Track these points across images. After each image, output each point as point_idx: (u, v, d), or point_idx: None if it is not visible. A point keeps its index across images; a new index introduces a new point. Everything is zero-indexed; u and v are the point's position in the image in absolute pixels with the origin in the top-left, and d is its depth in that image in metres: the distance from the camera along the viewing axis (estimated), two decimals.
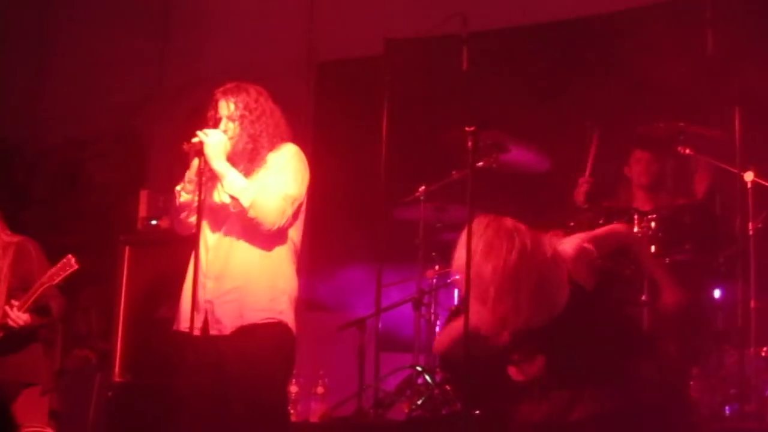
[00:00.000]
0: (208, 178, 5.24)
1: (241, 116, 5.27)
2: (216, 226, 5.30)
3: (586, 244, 4.87)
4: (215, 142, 5.17)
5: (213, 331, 5.18)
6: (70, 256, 6.56)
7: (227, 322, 5.17)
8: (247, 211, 5.13)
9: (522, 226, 4.77)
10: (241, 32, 9.46)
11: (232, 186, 5.15)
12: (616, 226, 4.96)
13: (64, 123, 10.11)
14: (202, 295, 5.19)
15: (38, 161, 10.29)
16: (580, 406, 4.83)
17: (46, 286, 6.49)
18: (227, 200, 5.21)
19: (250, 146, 5.26)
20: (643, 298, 6.41)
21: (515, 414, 5.14)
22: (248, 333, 5.15)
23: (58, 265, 6.56)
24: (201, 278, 5.20)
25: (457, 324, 4.98)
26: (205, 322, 5.18)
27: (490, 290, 4.68)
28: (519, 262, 4.65)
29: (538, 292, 4.68)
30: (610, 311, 5.01)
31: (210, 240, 5.28)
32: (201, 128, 5.21)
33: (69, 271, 6.54)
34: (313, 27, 9.47)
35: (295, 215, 5.28)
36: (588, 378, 4.87)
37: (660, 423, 4.81)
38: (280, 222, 5.19)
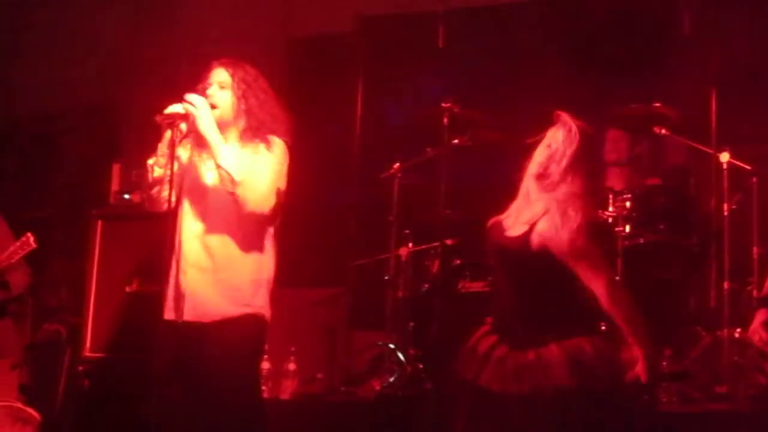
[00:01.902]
0: (195, 160, 5.19)
1: (241, 89, 5.17)
2: (201, 214, 5.19)
3: None
4: (206, 112, 5.06)
5: (188, 317, 5.10)
6: (29, 234, 6.53)
7: (206, 310, 5.10)
8: (237, 185, 5.01)
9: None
10: (216, 5, 9.39)
11: (224, 159, 5.03)
12: None
13: (35, 95, 10.02)
14: (183, 282, 5.13)
15: (9, 134, 10.19)
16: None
17: (4, 264, 6.49)
18: (211, 182, 5.16)
19: (243, 120, 5.19)
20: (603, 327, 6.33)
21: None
22: (228, 326, 5.08)
23: (17, 244, 6.54)
24: (183, 264, 5.14)
25: None
26: (183, 309, 5.11)
27: None
28: None
29: None
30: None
31: (194, 227, 5.19)
32: (176, 101, 5.11)
33: (27, 250, 6.53)
34: (287, 3, 9.40)
35: (277, 210, 5.19)
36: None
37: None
38: (262, 209, 5.07)
